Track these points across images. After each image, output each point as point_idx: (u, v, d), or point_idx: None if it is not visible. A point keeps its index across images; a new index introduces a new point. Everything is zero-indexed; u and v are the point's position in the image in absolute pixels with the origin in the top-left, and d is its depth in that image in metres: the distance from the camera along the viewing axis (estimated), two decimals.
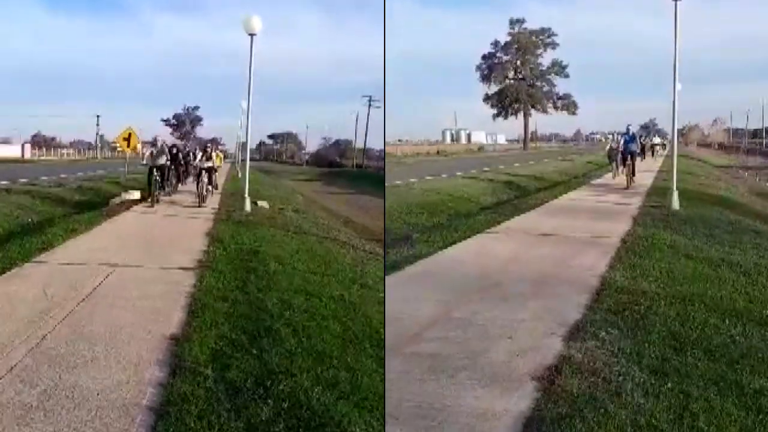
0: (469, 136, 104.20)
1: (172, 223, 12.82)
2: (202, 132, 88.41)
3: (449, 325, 5.18)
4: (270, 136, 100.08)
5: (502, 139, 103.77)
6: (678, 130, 18.82)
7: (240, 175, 29.48)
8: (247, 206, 15.39)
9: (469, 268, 7.33)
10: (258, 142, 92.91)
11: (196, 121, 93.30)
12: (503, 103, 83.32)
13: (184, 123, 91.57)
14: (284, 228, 12.55)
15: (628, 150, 19.55)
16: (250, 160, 17.62)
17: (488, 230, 10.21)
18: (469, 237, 9.48)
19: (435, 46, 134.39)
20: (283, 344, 4.88)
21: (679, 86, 14.55)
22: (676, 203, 13.42)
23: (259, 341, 4.94)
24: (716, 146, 76.38)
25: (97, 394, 3.90)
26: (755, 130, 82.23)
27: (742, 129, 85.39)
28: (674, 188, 13.81)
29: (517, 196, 19.01)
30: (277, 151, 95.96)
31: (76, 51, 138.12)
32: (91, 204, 16.07)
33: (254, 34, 15.41)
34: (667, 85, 16.19)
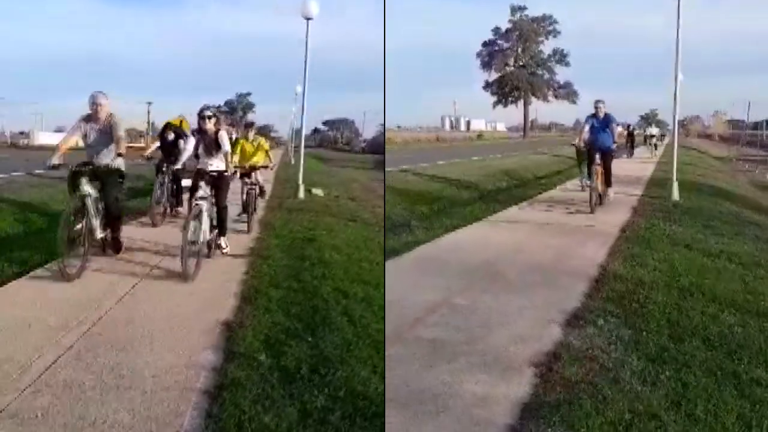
0: (468, 124, 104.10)
1: None
2: (255, 119, 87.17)
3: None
4: (325, 123, 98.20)
5: (501, 127, 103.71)
6: (679, 121, 18.10)
7: (293, 162, 29.15)
8: (301, 193, 15.13)
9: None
10: (313, 129, 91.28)
11: (248, 107, 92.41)
12: (503, 91, 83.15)
13: (235, 110, 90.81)
14: (340, 216, 12.30)
15: (597, 144, 11.81)
16: (305, 146, 17.32)
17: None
18: None
19: (436, 33, 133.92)
20: (340, 333, 4.81)
21: (680, 77, 14.50)
22: (676, 194, 13.44)
23: (315, 329, 4.86)
24: (717, 138, 76.30)
25: (152, 376, 3.92)
26: (756, 123, 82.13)
27: (742, 121, 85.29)
28: (674, 179, 13.81)
29: None
30: (332, 138, 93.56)
31: (128, 39, 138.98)
32: None
33: (311, 19, 15.06)
34: (668, 76, 15.67)
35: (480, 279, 6.23)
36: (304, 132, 18.68)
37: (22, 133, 62.85)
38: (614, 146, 11.91)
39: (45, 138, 58.82)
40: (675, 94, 14.59)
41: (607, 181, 11.91)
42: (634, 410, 3.46)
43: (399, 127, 77.69)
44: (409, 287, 5.83)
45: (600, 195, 11.62)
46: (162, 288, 6.04)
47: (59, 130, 68.21)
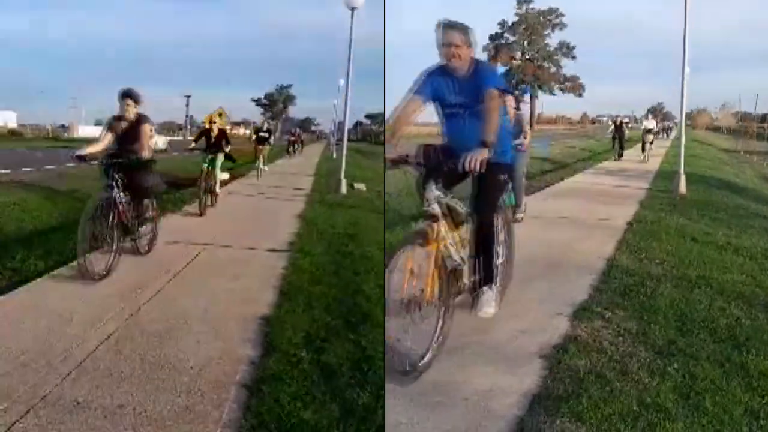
0: None
1: (260, 203, 12.62)
2: (295, 112, 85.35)
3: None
4: (368, 116, 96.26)
5: None
6: (686, 113, 17.81)
7: (335, 156, 28.80)
8: (343, 188, 14.90)
9: None
10: (355, 122, 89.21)
11: (289, 100, 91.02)
12: (510, 84, 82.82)
13: (276, 102, 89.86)
14: (382, 211, 11.97)
15: (459, 144, 4.11)
16: (347, 140, 17.10)
17: None
18: None
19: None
20: (383, 330, 4.68)
21: (688, 70, 14.44)
22: (683, 187, 13.40)
23: (356, 326, 4.79)
24: (725, 131, 75.90)
25: (191, 368, 3.93)
26: (764, 115, 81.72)
27: (750, 113, 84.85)
28: (681, 172, 13.77)
29: None
30: (375, 132, 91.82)
31: (167, 32, 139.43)
32: None
33: (355, 9, 14.69)
34: (676, 68, 15.48)
35: None
36: (347, 125, 18.13)
37: (62, 126, 63.67)
38: (523, 147, 5.89)
39: (85, 131, 59.43)
40: (682, 87, 14.54)
41: (503, 278, 4.83)
42: (642, 402, 3.47)
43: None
44: None
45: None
46: (200, 281, 6.00)
47: (98, 123, 69.35)
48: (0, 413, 3.24)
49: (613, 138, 24.91)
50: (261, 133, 18.87)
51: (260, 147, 18.47)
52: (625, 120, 25.96)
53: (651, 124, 24.92)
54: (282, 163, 26.09)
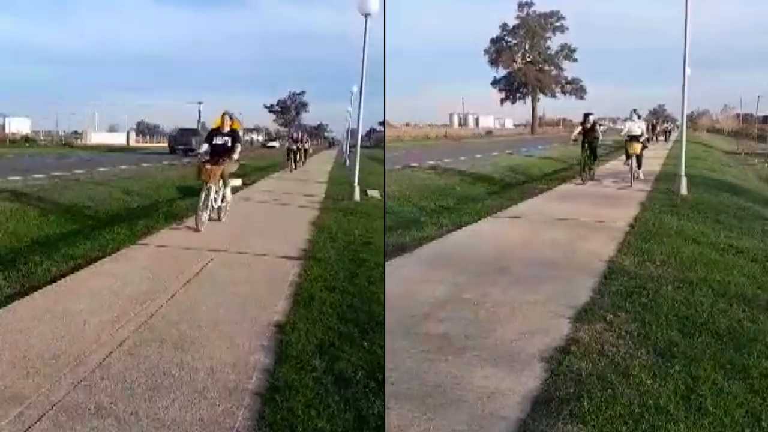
0: (477, 121, 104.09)
1: (273, 209, 12.59)
2: (308, 118, 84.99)
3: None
4: (381, 123, 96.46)
5: (509, 124, 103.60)
6: (687, 115, 17.56)
7: (348, 163, 28.53)
8: (357, 195, 14.76)
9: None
10: (368, 129, 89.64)
11: (301, 107, 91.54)
12: (511, 87, 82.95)
13: (288, 109, 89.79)
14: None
15: None
16: (360, 147, 16.85)
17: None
18: None
19: (443, 29, 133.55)
20: (383, 332, 4.69)
21: (689, 71, 14.44)
22: (684, 189, 13.39)
23: (371, 334, 4.73)
24: (726, 132, 75.83)
25: (204, 375, 3.91)
26: (765, 117, 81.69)
27: (751, 115, 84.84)
28: (683, 174, 13.77)
29: None
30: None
31: (180, 39, 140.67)
32: None
33: (369, 15, 14.34)
34: (677, 70, 15.28)
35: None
36: (360, 132, 17.73)
37: (75, 132, 64.03)
38: None
39: (98, 138, 59.61)
40: (683, 88, 14.54)
41: None
42: (644, 404, 3.47)
43: (407, 124, 77.59)
44: (419, 282, 5.85)
45: None
46: (213, 288, 5.96)
47: (112, 129, 69.56)
48: (13, 419, 3.24)
49: (582, 146, 15.73)
50: (217, 140, 9.98)
51: (209, 167, 9.51)
52: (595, 119, 16.48)
53: (637, 127, 15.66)
54: (276, 178, 21.37)
